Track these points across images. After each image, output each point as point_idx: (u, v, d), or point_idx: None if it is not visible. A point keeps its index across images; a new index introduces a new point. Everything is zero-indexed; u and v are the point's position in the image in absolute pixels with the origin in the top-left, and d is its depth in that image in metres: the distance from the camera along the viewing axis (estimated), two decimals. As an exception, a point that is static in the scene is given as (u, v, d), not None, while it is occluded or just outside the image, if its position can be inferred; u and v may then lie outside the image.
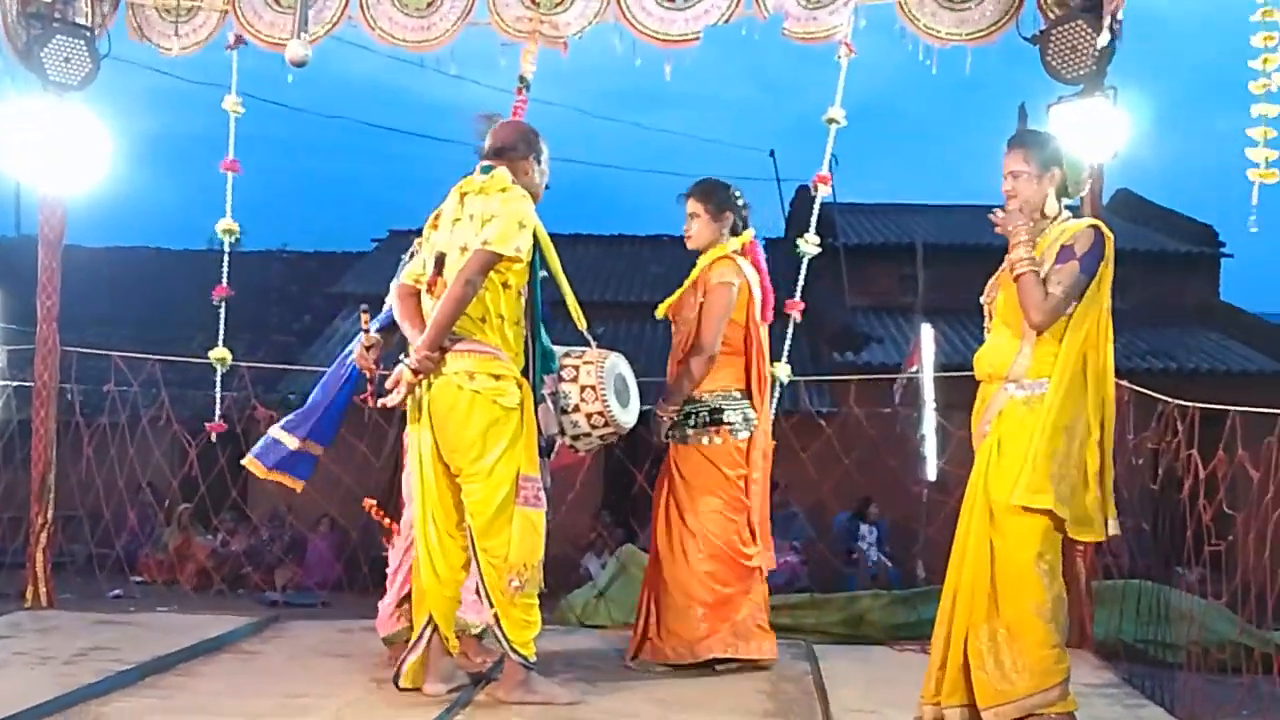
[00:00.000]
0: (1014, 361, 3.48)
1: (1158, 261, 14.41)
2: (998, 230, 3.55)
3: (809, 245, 5.54)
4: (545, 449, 4.00)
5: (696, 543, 4.44)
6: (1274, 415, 4.10)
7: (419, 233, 4.50)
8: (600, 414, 4.17)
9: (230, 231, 5.91)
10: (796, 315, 5.53)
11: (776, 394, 5.47)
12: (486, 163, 3.99)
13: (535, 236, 3.87)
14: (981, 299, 3.71)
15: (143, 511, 9.91)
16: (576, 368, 4.19)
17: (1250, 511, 4.21)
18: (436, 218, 4.01)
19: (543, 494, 3.90)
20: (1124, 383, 4.83)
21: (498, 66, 5.61)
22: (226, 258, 5.89)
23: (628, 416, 4.25)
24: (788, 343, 5.51)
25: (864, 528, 10.85)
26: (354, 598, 7.80)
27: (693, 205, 4.58)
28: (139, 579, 10.08)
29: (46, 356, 5.67)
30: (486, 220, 3.79)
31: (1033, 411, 3.43)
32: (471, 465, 3.81)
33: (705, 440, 4.48)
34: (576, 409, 4.17)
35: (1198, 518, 4.50)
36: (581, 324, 4.21)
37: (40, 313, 5.67)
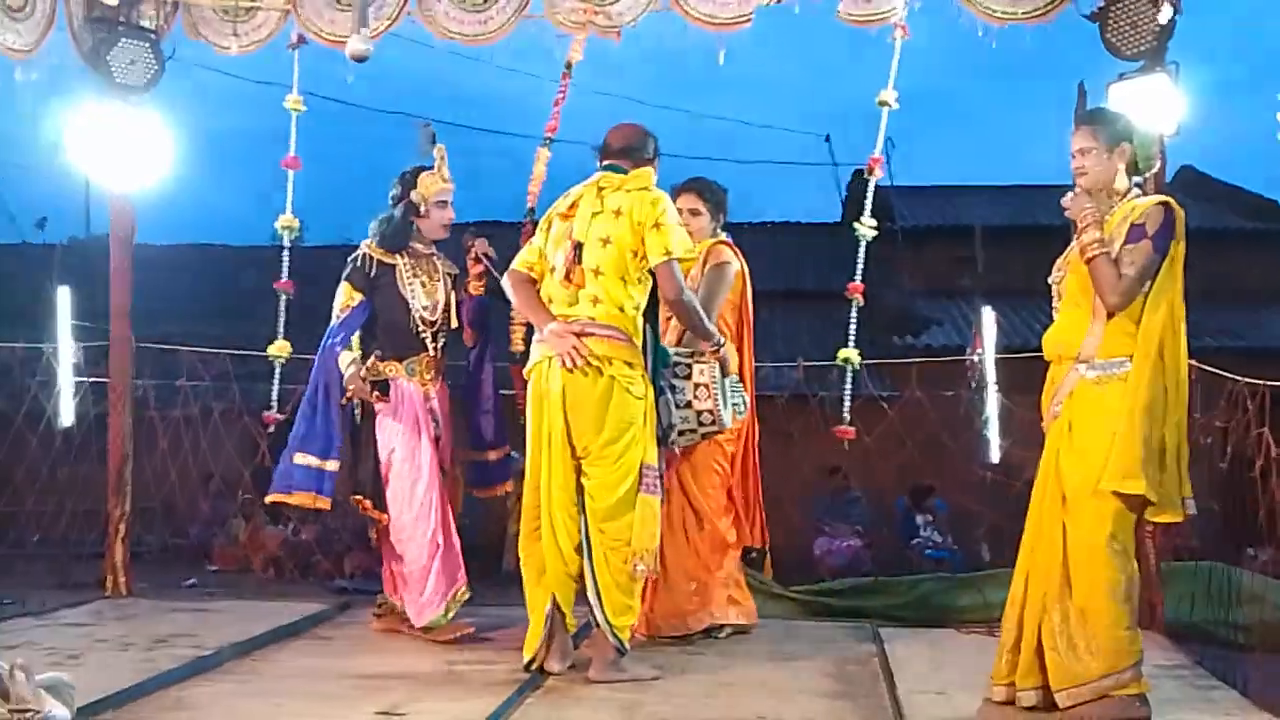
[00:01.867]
0: (1084, 341, 3.45)
1: (1224, 239, 14.10)
2: (1067, 214, 3.52)
3: (866, 228, 5.55)
4: (662, 438, 4.13)
5: (698, 520, 4.62)
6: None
7: (474, 225, 4.61)
8: (710, 412, 4.27)
9: (289, 227, 6.01)
10: (859, 299, 5.57)
11: (850, 380, 5.53)
12: (613, 161, 4.11)
13: None
14: (1050, 279, 3.69)
15: (215, 502, 10.11)
16: (690, 365, 4.29)
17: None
18: (572, 208, 4.08)
19: (659, 482, 4.05)
20: (1192, 361, 4.77)
21: (552, 58, 5.66)
22: (287, 253, 5.99)
23: (729, 416, 4.34)
24: (853, 327, 5.53)
25: (919, 519, 10.74)
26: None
27: (695, 201, 4.67)
28: (213, 568, 10.26)
29: (120, 352, 5.82)
30: (644, 223, 3.93)
31: (1106, 391, 3.40)
32: (602, 449, 3.93)
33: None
34: (689, 405, 4.26)
35: (1270, 497, 4.44)
36: None
37: (113, 310, 5.82)
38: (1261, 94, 4.35)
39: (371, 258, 4.70)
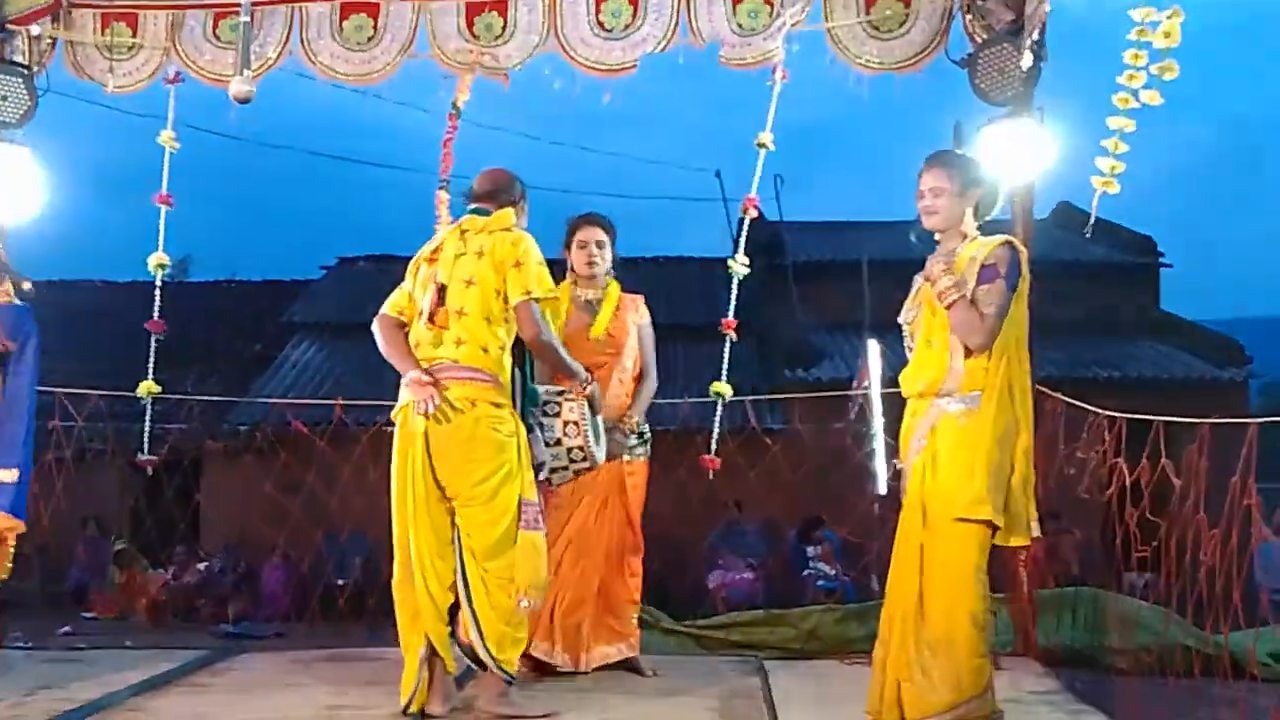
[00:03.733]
0: (945, 378, 3.56)
1: (1099, 273, 14.60)
2: (925, 283, 3.64)
3: (739, 266, 5.73)
4: (535, 474, 4.15)
5: (637, 545, 4.80)
6: (1200, 422, 4.20)
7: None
8: (581, 448, 4.32)
9: (162, 265, 5.95)
10: (732, 335, 5.76)
11: (718, 412, 5.66)
12: (479, 204, 4.18)
13: None
14: (900, 319, 3.80)
15: (92, 547, 9.80)
16: (559, 403, 4.33)
17: (1173, 516, 4.34)
18: (435, 251, 4.12)
19: (541, 517, 4.07)
20: (1055, 394, 4.94)
21: (440, 95, 5.68)
22: (159, 291, 5.93)
23: (601, 453, 4.42)
24: (726, 361, 5.67)
25: (809, 550, 10.88)
26: (308, 628, 7.78)
27: (603, 234, 4.89)
28: (90, 615, 9.94)
29: (-11, 393, 5.62)
30: (505, 262, 3.99)
31: (969, 424, 3.51)
32: (471, 490, 3.93)
33: (646, 455, 4.85)
34: (559, 442, 4.30)
35: (1126, 525, 4.63)
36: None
37: (-18, 350, 5.63)
38: (1132, 135, 4.55)
39: None
